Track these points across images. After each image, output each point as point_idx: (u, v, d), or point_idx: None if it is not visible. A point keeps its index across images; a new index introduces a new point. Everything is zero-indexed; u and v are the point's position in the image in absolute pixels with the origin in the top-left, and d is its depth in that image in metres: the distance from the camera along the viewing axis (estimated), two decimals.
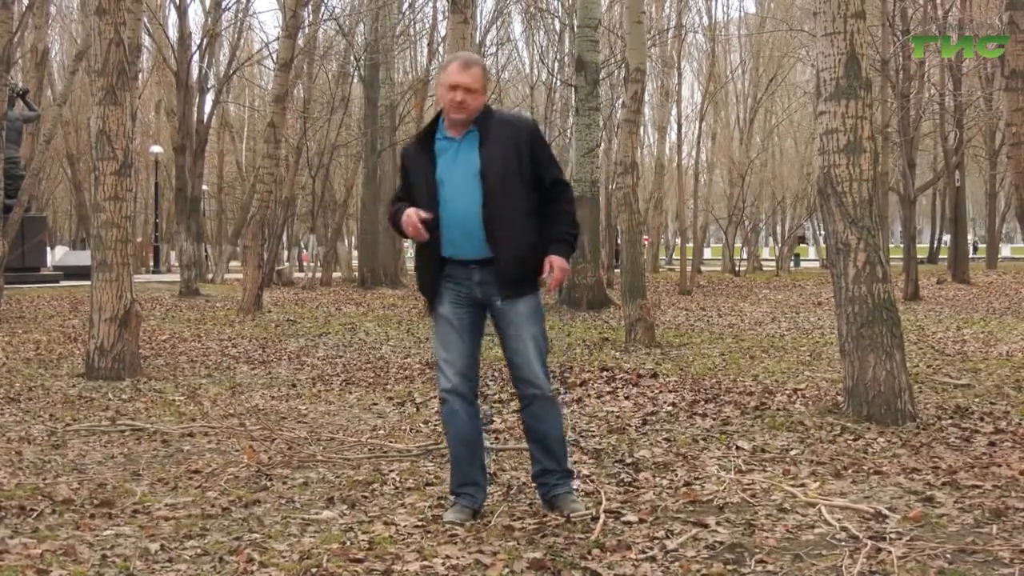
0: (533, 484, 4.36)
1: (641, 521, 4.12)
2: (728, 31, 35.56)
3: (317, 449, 5.72)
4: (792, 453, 5.33)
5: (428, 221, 4.02)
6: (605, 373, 8.41)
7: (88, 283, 9.13)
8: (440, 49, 27.76)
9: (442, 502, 4.46)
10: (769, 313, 16.06)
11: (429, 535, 3.98)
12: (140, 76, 25.88)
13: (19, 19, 16.68)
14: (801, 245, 48.49)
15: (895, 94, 19.77)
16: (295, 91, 25.63)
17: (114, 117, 8.75)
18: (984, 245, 38.59)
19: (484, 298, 4.13)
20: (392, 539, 3.93)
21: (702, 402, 6.99)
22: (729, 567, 3.57)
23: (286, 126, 21.44)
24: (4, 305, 15.52)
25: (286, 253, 37.20)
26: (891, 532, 3.89)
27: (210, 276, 30.19)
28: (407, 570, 3.56)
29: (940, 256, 38.56)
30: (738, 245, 37.38)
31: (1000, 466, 4.89)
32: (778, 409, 6.63)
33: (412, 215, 4.02)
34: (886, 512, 4.14)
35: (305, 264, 35.74)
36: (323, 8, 26.75)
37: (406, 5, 29.49)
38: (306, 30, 24.21)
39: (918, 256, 21.27)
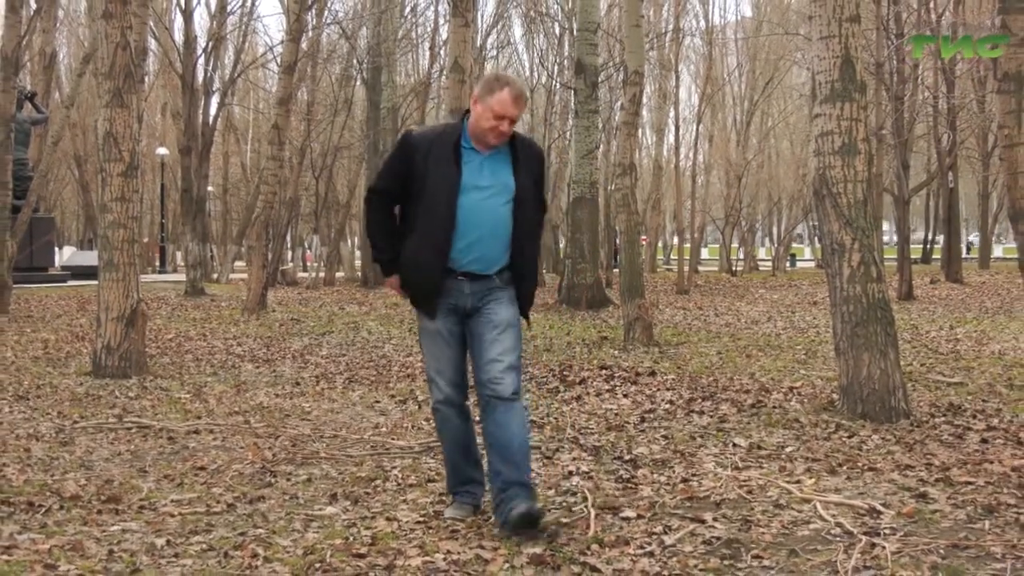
0: (495, 504, 3.95)
1: (639, 517, 4.12)
2: (725, 35, 35.58)
3: (320, 446, 5.72)
4: (788, 450, 5.33)
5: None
6: (604, 371, 8.42)
7: (95, 283, 9.13)
8: (441, 52, 27.75)
9: (443, 498, 4.46)
10: (765, 312, 16.05)
11: (431, 531, 3.99)
12: (146, 79, 25.89)
13: (27, 23, 16.65)
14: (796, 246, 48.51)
15: (889, 97, 19.77)
16: (299, 94, 25.60)
17: (121, 119, 8.75)
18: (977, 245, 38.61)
19: (473, 305, 4.01)
20: (394, 534, 3.93)
21: (699, 400, 6.99)
22: (726, 562, 3.58)
23: (290, 128, 21.47)
24: (13, 304, 15.53)
25: (290, 253, 37.11)
26: (885, 528, 3.90)
27: (215, 276, 30.17)
28: (409, 565, 3.56)
29: (933, 256, 38.55)
30: (735, 245, 37.37)
31: (992, 463, 4.89)
32: (774, 407, 6.64)
33: (396, 286, 4.11)
34: (880, 508, 4.14)
35: (309, 264, 35.76)
36: (326, 12, 26.77)
37: (408, 9, 29.55)
38: (310, 34, 24.20)
39: (912, 256, 21.26)
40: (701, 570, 3.50)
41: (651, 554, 3.67)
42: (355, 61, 27.40)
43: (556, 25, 28.39)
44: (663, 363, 9.14)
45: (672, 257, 43.70)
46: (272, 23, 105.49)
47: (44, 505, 4.38)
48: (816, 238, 39.73)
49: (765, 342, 11.19)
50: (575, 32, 20.17)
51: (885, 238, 45.61)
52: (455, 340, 4.06)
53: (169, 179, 36.85)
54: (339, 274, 30.19)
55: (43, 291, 20.45)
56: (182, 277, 25.38)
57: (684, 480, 4.72)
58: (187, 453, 5.55)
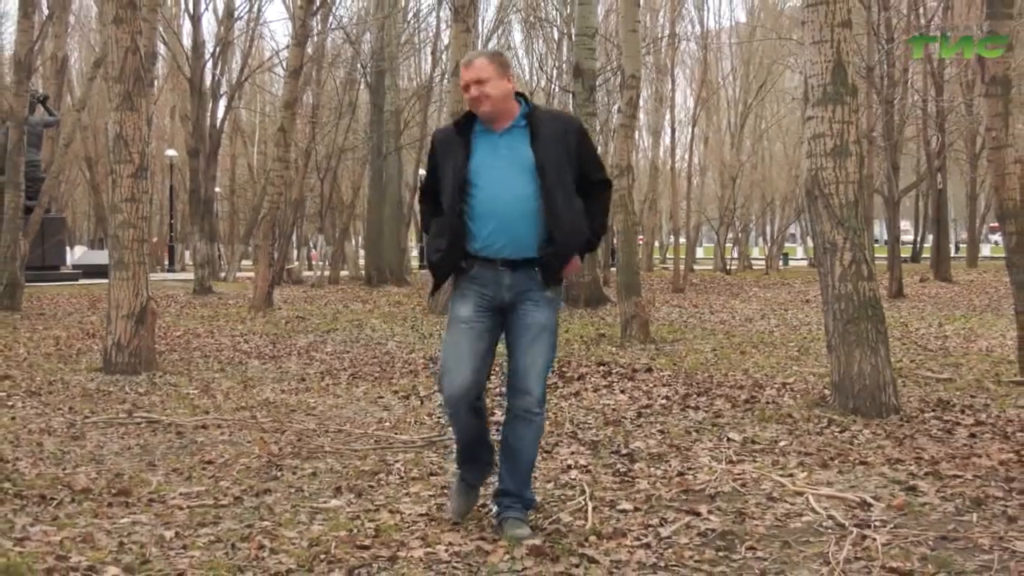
0: (492, 502, 3.99)
1: (636, 509, 4.12)
2: (720, 39, 35.50)
3: (325, 440, 5.71)
4: (781, 444, 5.33)
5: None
6: (602, 368, 8.41)
7: (106, 281, 9.12)
8: (443, 57, 27.73)
9: (445, 491, 4.45)
10: (759, 310, 16.05)
11: (433, 523, 3.98)
12: (155, 83, 25.84)
13: (40, 28, 16.65)
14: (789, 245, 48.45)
15: (880, 100, 19.75)
16: (304, 97, 25.63)
17: (131, 122, 8.74)
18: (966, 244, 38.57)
19: (512, 301, 3.77)
20: (397, 527, 3.93)
21: (695, 395, 6.99)
22: (720, 554, 3.58)
23: (295, 131, 21.43)
24: (25, 302, 15.54)
25: (296, 252, 37.16)
26: (876, 520, 3.90)
27: (223, 274, 30.17)
28: (412, 556, 3.56)
29: (923, 255, 38.52)
30: (729, 245, 37.34)
31: (980, 457, 4.89)
32: (767, 402, 6.63)
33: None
34: (871, 501, 4.14)
35: (314, 263, 35.72)
36: (331, 17, 26.74)
37: (411, 14, 29.56)
38: (315, 38, 24.18)
39: (902, 255, 21.25)
40: (696, 561, 3.50)
41: (647, 546, 3.67)
42: (359, 65, 27.38)
43: (555, 30, 28.36)
44: (659, 360, 9.13)
45: (668, 256, 43.67)
46: (278, 28, 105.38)
47: (56, 498, 4.37)
48: (808, 237, 39.69)
49: (759, 339, 11.18)
50: (573, 37, 20.15)
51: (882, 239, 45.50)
52: (482, 334, 3.78)
53: (178, 180, 36.83)
54: (343, 273, 30.19)
55: (55, 289, 20.44)
56: (190, 276, 25.38)
57: (680, 474, 4.71)
58: (195, 447, 5.54)
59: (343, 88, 28.29)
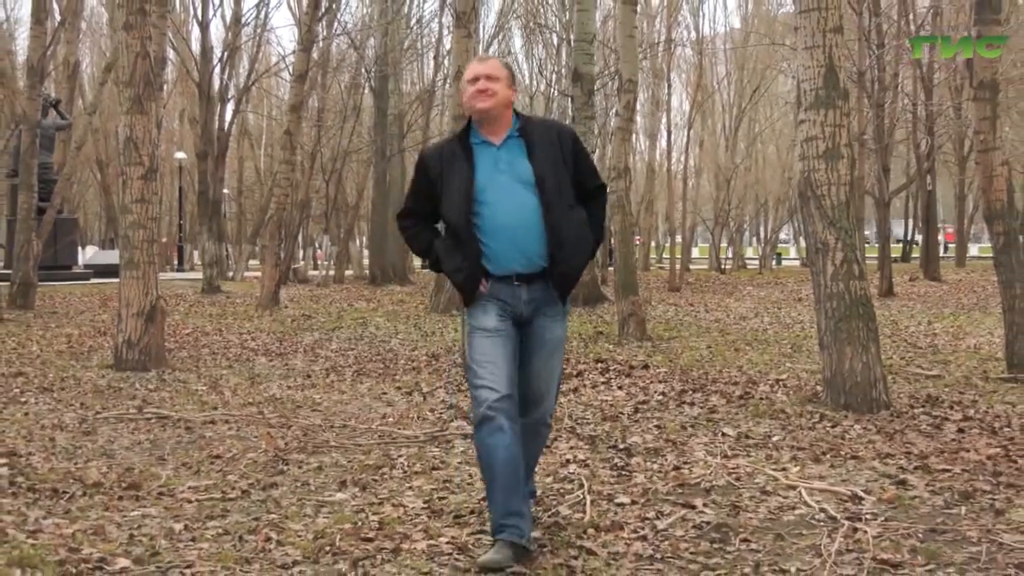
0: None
1: (633, 503, 4.12)
2: (714, 45, 35.49)
3: (330, 435, 5.71)
4: (774, 439, 5.32)
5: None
6: (599, 364, 8.41)
7: (117, 280, 9.12)
8: (445, 62, 27.73)
9: (447, 485, 4.45)
10: (753, 308, 16.04)
11: (435, 516, 3.98)
12: (165, 87, 25.83)
13: (52, 34, 16.64)
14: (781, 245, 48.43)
15: (871, 104, 19.75)
16: (310, 101, 25.58)
17: (141, 125, 8.74)
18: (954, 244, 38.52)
19: (530, 315, 3.63)
20: (400, 519, 3.92)
21: (690, 391, 6.99)
22: (715, 546, 3.57)
23: (301, 134, 21.47)
24: (38, 301, 15.53)
25: (301, 252, 37.09)
26: (867, 513, 3.89)
27: (231, 274, 30.15)
28: (414, 548, 3.56)
29: (912, 255, 38.50)
30: (724, 245, 37.32)
31: (968, 451, 4.89)
32: (761, 398, 6.63)
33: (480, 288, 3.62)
34: (862, 494, 4.14)
35: (319, 263, 35.74)
36: (336, 23, 26.74)
37: (414, 21, 29.51)
38: (320, 44, 24.19)
39: (892, 255, 21.24)
40: (692, 553, 3.50)
41: (644, 538, 3.67)
42: (363, 70, 27.38)
43: (554, 36, 28.33)
44: (656, 357, 9.13)
45: (664, 256, 43.66)
46: (284, 34, 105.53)
47: (68, 491, 4.37)
48: (801, 238, 39.68)
49: (753, 337, 11.18)
50: (572, 43, 20.11)
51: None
52: (511, 344, 3.59)
53: (187, 182, 36.79)
54: (348, 272, 30.18)
55: (67, 288, 20.43)
56: (199, 275, 25.37)
57: (676, 468, 4.71)
58: (204, 442, 5.54)
59: (347, 92, 28.28)
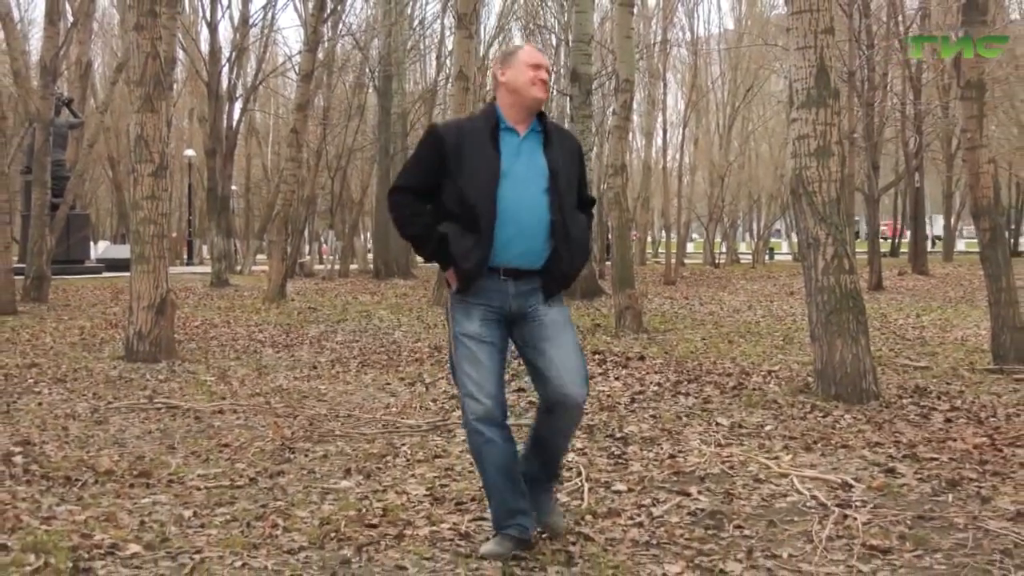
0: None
1: (629, 490, 4.12)
2: (709, 45, 35.42)
3: (336, 425, 5.71)
4: (767, 429, 5.32)
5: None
6: (597, 356, 8.40)
7: (128, 274, 9.11)
8: (447, 62, 27.67)
9: (449, 473, 4.45)
10: (746, 302, 16.04)
11: (437, 503, 3.98)
12: (175, 86, 25.82)
13: (64, 34, 16.60)
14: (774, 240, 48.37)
15: (861, 103, 19.73)
16: (315, 100, 25.55)
17: (151, 124, 8.72)
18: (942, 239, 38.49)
19: (518, 310, 3.37)
20: (404, 506, 3.92)
21: (685, 382, 6.98)
22: (709, 532, 3.57)
23: (307, 132, 21.41)
24: (51, 294, 15.53)
25: (307, 247, 37.09)
26: (857, 500, 3.89)
27: (239, 268, 30.12)
28: (417, 534, 3.56)
29: (901, 250, 38.48)
30: (718, 240, 37.29)
31: (955, 440, 4.89)
32: (754, 389, 6.63)
33: (454, 278, 3.37)
34: (852, 482, 4.14)
35: (325, 257, 35.70)
36: (341, 24, 26.69)
37: (416, 22, 29.47)
38: (326, 44, 24.13)
39: (881, 250, 21.24)
40: (687, 539, 3.50)
41: (640, 524, 3.67)
42: (367, 70, 27.33)
43: (553, 37, 28.27)
44: (652, 348, 9.12)
45: (660, 251, 43.63)
46: (291, 35, 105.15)
47: (80, 479, 4.37)
48: (793, 233, 39.69)
49: (746, 329, 11.18)
50: (571, 43, 20.07)
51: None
52: (496, 348, 3.35)
53: (196, 179, 36.79)
54: (353, 266, 30.15)
55: (79, 282, 20.43)
56: (208, 269, 25.36)
57: (671, 456, 4.71)
58: (212, 431, 5.54)
59: (352, 91, 28.25)
